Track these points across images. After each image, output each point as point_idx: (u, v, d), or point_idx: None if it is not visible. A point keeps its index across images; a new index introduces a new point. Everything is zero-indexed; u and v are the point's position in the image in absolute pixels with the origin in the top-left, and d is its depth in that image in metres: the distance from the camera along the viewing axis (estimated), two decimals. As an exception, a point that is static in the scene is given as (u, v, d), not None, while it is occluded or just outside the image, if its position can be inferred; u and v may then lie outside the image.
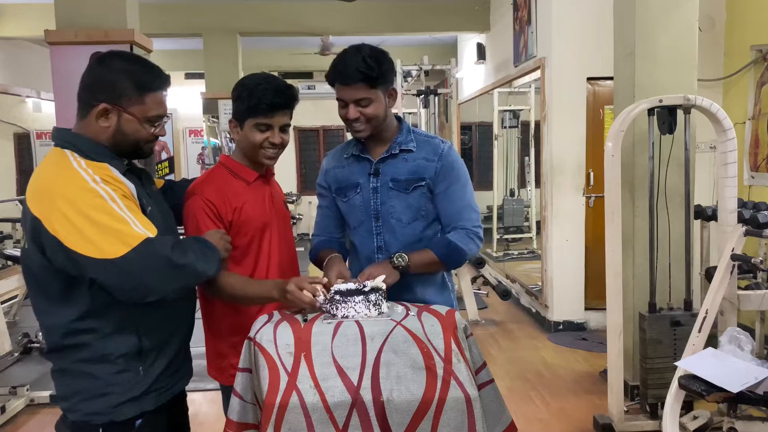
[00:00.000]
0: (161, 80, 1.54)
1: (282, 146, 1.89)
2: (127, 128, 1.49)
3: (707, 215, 3.52)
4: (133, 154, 1.56)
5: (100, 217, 1.35)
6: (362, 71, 1.81)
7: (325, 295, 1.67)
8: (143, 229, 1.39)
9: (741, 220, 3.04)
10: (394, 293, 1.85)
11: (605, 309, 3.26)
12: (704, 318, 2.79)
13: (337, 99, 1.89)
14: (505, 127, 7.99)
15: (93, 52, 1.55)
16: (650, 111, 3.25)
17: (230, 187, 1.87)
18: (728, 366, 2.52)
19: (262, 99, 1.81)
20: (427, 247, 1.93)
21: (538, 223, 6.47)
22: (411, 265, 1.86)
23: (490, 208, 8.20)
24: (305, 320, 1.64)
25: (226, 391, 1.95)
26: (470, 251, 1.93)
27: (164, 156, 10.45)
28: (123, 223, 1.37)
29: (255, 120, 1.83)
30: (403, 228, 1.95)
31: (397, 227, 1.96)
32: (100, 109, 1.46)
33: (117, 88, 1.47)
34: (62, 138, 1.49)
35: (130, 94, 1.48)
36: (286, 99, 1.85)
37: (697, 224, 3.60)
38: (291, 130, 9.78)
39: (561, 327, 5.07)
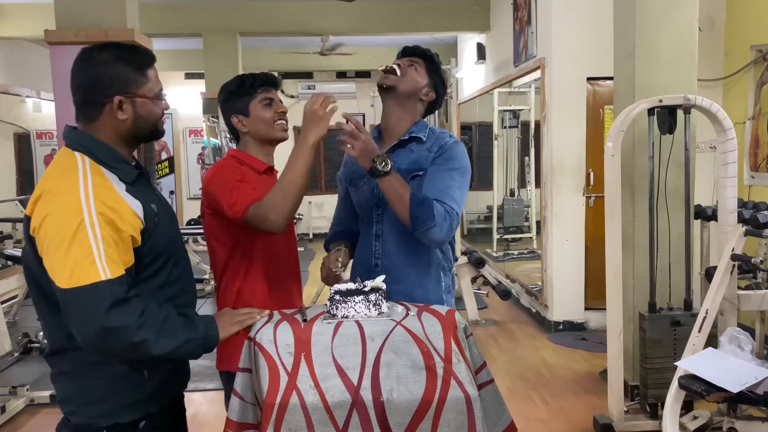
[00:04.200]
0: (150, 54, 1.55)
1: (287, 120, 2.06)
2: (143, 111, 1.49)
3: (707, 215, 3.52)
4: (151, 136, 1.56)
5: (68, 241, 1.32)
6: (423, 48, 2.05)
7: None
8: (105, 268, 1.32)
9: (741, 220, 3.04)
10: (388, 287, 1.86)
11: (605, 309, 3.26)
12: (704, 318, 2.79)
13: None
14: (505, 127, 8.00)
15: (75, 57, 1.52)
16: (650, 111, 3.25)
17: (243, 172, 1.95)
18: (728, 366, 2.52)
19: (256, 78, 2.00)
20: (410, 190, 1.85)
21: (538, 223, 6.47)
22: (390, 178, 1.78)
23: (490, 208, 8.20)
24: (305, 320, 1.64)
25: (228, 381, 1.96)
26: (439, 226, 1.78)
27: (164, 156, 10.45)
28: (85, 256, 1.31)
29: (260, 97, 1.99)
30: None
31: (395, 216, 1.92)
32: (115, 103, 1.45)
33: (121, 77, 1.46)
34: (75, 139, 1.47)
35: (135, 77, 1.48)
36: (274, 77, 2.05)
37: (697, 224, 3.60)
38: (291, 129, 9.81)
39: (561, 327, 5.07)
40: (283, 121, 2.04)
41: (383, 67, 1.96)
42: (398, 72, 1.94)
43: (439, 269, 2.01)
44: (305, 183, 1.78)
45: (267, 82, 2.01)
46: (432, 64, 2.03)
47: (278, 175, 2.09)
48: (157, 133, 1.56)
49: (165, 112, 1.57)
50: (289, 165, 1.78)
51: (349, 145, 1.79)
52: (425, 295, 1.92)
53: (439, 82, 2.04)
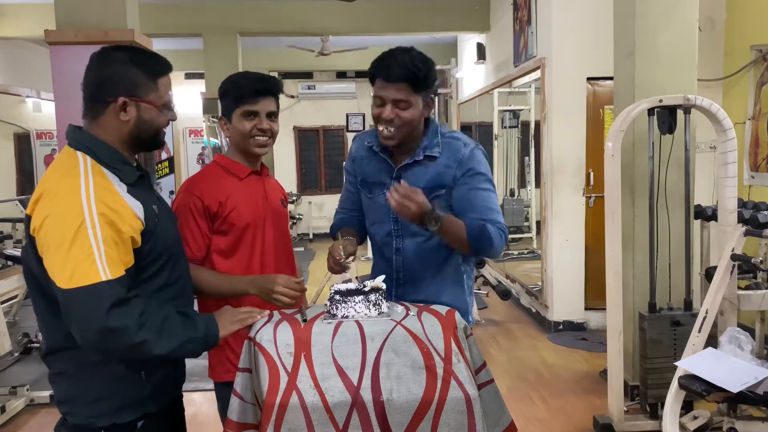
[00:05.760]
0: (166, 64, 1.56)
1: (271, 134, 1.95)
2: (147, 117, 1.49)
3: (707, 215, 3.52)
4: (151, 144, 1.55)
5: (69, 241, 1.32)
6: (411, 70, 1.78)
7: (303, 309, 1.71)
8: (105, 268, 1.32)
9: (741, 220, 3.04)
10: (404, 287, 1.88)
11: (605, 309, 3.26)
12: (704, 318, 2.79)
13: (375, 97, 1.84)
14: (505, 127, 7.99)
15: (92, 52, 1.53)
16: (650, 111, 3.25)
17: (219, 182, 1.93)
18: (728, 366, 2.52)
19: (245, 87, 1.90)
20: (463, 221, 1.85)
21: (538, 223, 6.46)
22: (441, 227, 1.77)
23: (490, 208, 8.17)
24: (305, 320, 1.64)
25: (219, 390, 1.96)
26: (498, 247, 1.83)
27: (164, 156, 10.45)
28: (86, 256, 1.31)
29: (242, 109, 1.90)
30: (423, 233, 1.93)
31: (417, 232, 1.93)
32: (119, 103, 1.45)
33: (131, 80, 1.47)
34: (77, 139, 1.47)
35: (145, 82, 1.48)
36: (269, 85, 1.93)
37: (697, 224, 3.60)
38: (291, 129, 9.79)
39: (561, 327, 5.07)
40: (263, 138, 1.93)
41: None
42: (392, 134, 1.83)
43: (460, 272, 2.00)
44: (206, 292, 1.84)
45: (261, 91, 1.90)
46: (413, 81, 1.79)
47: (267, 171, 2.07)
48: (157, 142, 1.56)
49: (170, 122, 1.56)
50: (222, 277, 1.86)
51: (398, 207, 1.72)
52: (451, 301, 1.90)
53: (429, 81, 1.84)
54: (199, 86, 8.02)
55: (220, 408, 1.99)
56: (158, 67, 1.52)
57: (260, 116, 1.91)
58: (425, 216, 1.72)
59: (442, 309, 1.70)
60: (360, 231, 2.09)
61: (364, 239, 2.10)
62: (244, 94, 1.90)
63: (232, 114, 1.92)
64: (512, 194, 8.42)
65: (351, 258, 1.90)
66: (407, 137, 1.87)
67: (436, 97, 6.50)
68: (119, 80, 1.46)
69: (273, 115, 1.95)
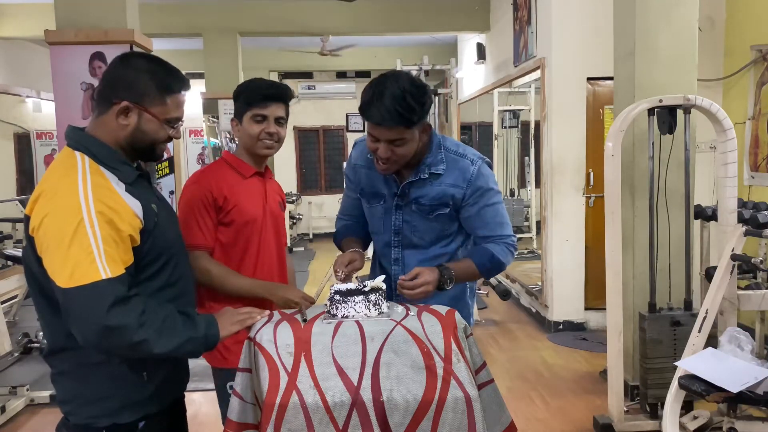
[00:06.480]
0: (183, 83, 1.55)
1: (278, 139, 2.02)
2: (146, 128, 1.49)
3: (707, 215, 3.52)
4: (146, 155, 1.55)
5: (68, 241, 1.32)
6: (403, 115, 1.72)
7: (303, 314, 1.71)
8: (105, 266, 1.32)
9: (741, 220, 3.04)
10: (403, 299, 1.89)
11: (605, 309, 3.26)
12: (704, 318, 2.79)
13: (368, 133, 1.83)
14: (505, 127, 8.00)
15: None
16: (650, 111, 3.25)
17: (224, 177, 2.01)
18: (728, 366, 2.52)
19: (256, 91, 2.00)
20: (468, 257, 1.92)
21: (538, 223, 6.47)
22: (456, 280, 1.85)
23: (490, 208, 8.19)
24: (305, 320, 1.64)
25: (217, 374, 2.03)
26: (508, 263, 1.94)
27: (164, 156, 10.44)
28: (85, 255, 1.31)
29: (251, 112, 1.98)
30: (424, 245, 1.96)
31: (418, 244, 1.96)
32: (121, 106, 1.45)
33: (140, 88, 1.47)
34: (76, 139, 1.48)
35: (153, 94, 1.48)
36: (279, 91, 2.01)
37: (697, 224, 3.60)
38: (291, 129, 9.78)
39: (561, 327, 5.07)
40: (269, 141, 2.00)
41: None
42: (388, 167, 1.85)
43: (464, 285, 2.04)
44: (212, 284, 1.93)
45: (271, 96, 1.98)
46: (408, 122, 1.75)
47: (273, 176, 2.13)
48: (153, 154, 1.55)
49: (172, 138, 1.56)
50: (231, 274, 1.94)
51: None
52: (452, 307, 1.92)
53: (424, 113, 1.80)
54: (199, 86, 8.02)
55: (218, 392, 2.06)
56: (173, 83, 1.52)
57: (269, 120, 1.99)
58: (439, 286, 1.81)
59: (442, 309, 1.70)
60: (364, 238, 2.12)
61: (368, 245, 2.14)
62: (254, 98, 1.98)
63: (243, 116, 2.00)
64: (512, 194, 8.43)
65: (354, 274, 1.92)
66: (407, 162, 1.88)
67: (436, 98, 6.52)
68: (129, 84, 1.47)
69: (281, 120, 2.02)
